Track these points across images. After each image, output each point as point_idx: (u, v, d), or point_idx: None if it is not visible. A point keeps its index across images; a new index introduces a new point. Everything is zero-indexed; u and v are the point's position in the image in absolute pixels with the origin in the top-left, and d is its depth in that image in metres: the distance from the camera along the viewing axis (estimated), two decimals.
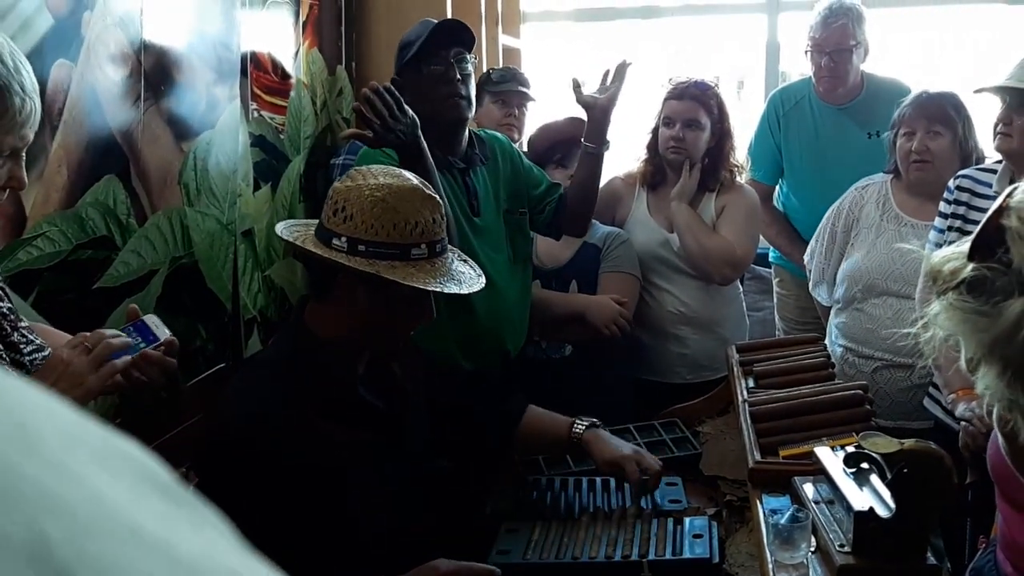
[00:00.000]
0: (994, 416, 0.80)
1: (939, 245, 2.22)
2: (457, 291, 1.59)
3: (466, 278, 1.64)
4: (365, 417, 1.62)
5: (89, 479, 0.26)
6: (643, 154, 2.77)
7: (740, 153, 2.82)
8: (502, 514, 1.85)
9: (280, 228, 1.66)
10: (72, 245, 1.88)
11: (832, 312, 2.67)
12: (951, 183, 2.25)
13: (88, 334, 1.27)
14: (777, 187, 3.30)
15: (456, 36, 2.20)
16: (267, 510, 1.44)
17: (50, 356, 1.25)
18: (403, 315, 1.60)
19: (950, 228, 2.20)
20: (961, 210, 2.20)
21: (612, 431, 2.13)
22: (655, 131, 2.71)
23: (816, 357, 1.94)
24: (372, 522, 1.54)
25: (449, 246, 1.65)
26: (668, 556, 1.60)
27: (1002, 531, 1.43)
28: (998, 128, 2.08)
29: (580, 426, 1.90)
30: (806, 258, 2.80)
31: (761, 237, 2.92)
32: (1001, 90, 2.07)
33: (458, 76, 2.18)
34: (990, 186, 2.15)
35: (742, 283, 2.98)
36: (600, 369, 2.54)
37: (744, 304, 2.89)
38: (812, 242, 2.75)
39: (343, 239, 1.54)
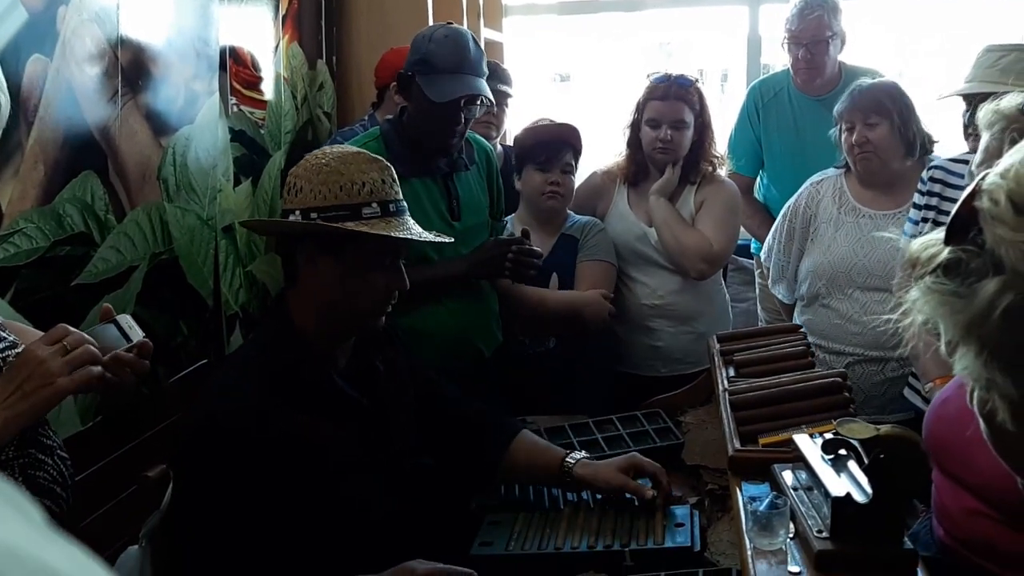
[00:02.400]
0: (974, 398, 0.80)
1: (914, 236, 2.24)
2: (419, 239, 1.60)
3: (430, 235, 1.64)
4: (346, 409, 1.61)
5: None
6: (624, 150, 2.77)
7: (720, 145, 2.82)
8: (485, 507, 1.85)
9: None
10: (50, 242, 1.87)
11: (796, 310, 2.69)
12: (924, 174, 2.27)
13: (70, 332, 1.26)
14: (758, 178, 3.32)
15: (477, 86, 2.20)
16: (248, 503, 1.44)
17: (25, 350, 1.24)
18: (370, 283, 1.59)
19: (924, 219, 2.22)
20: (934, 201, 2.22)
21: (595, 422, 2.14)
22: (635, 127, 2.71)
23: (796, 346, 1.95)
24: (353, 514, 1.54)
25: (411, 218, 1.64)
26: (650, 545, 1.60)
27: (935, 498, 1.47)
28: (968, 130, 2.10)
29: (571, 460, 1.80)
30: (763, 256, 2.81)
31: (743, 228, 2.93)
32: (966, 94, 2.10)
33: (461, 121, 2.21)
34: (962, 176, 2.17)
35: (725, 275, 2.99)
36: (579, 362, 2.54)
37: (727, 296, 2.90)
38: (768, 239, 2.77)
39: (296, 213, 1.55)
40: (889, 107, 2.45)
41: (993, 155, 1.64)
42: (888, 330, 2.41)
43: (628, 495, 1.76)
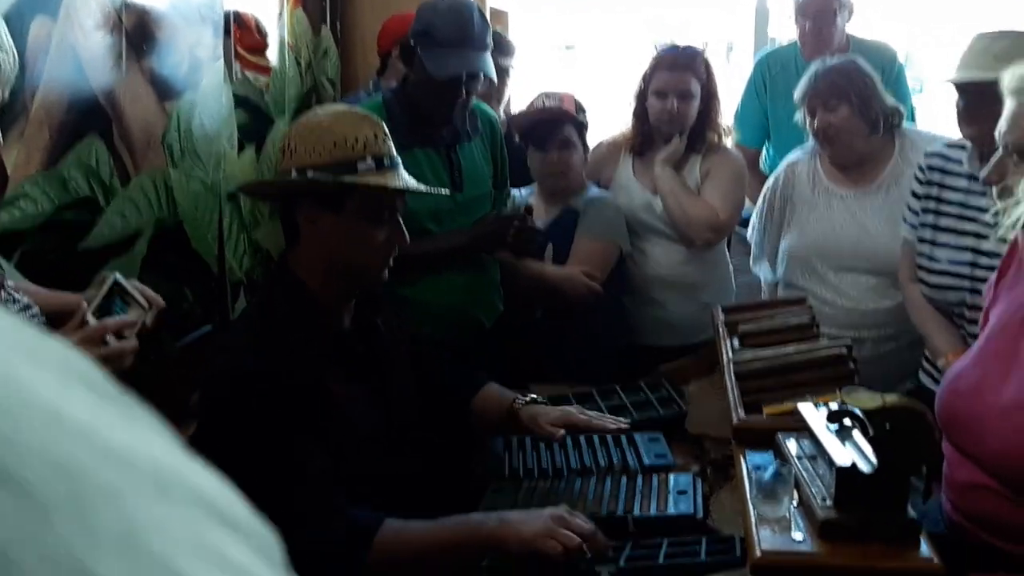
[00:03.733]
0: None
1: (914, 227, 2.24)
2: (415, 190, 1.62)
3: (425, 187, 1.67)
4: (354, 367, 1.63)
5: (6, 364, 0.26)
6: (630, 120, 2.75)
7: (727, 116, 2.81)
8: (490, 475, 1.87)
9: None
10: (55, 206, 1.86)
11: (779, 290, 2.69)
12: (922, 162, 2.26)
13: (95, 326, 1.31)
14: (763, 151, 3.31)
15: (479, 63, 2.17)
16: (271, 459, 1.46)
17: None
18: (370, 237, 1.60)
19: (925, 210, 2.21)
20: (934, 191, 2.20)
21: (598, 392, 2.15)
22: (641, 97, 2.69)
23: (801, 317, 1.95)
24: (368, 471, 1.56)
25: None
26: (653, 513, 1.62)
27: (945, 473, 1.49)
28: (964, 118, 2.08)
29: (520, 402, 1.84)
30: (749, 234, 2.81)
31: (747, 201, 2.92)
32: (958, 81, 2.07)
33: (463, 95, 2.19)
34: (960, 163, 2.16)
35: (729, 246, 2.98)
36: (580, 333, 2.55)
37: (731, 267, 2.90)
38: (753, 218, 2.76)
39: (293, 172, 1.57)
40: (847, 88, 2.42)
41: (1019, 120, 1.62)
42: (864, 311, 2.46)
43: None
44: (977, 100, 2.01)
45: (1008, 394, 1.42)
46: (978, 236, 2.10)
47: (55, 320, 1.34)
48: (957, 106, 2.09)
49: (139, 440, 0.27)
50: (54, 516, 0.23)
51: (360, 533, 1.47)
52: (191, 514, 0.27)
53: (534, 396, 1.89)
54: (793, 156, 2.65)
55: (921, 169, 2.25)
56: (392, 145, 1.62)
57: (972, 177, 2.11)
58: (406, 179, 1.62)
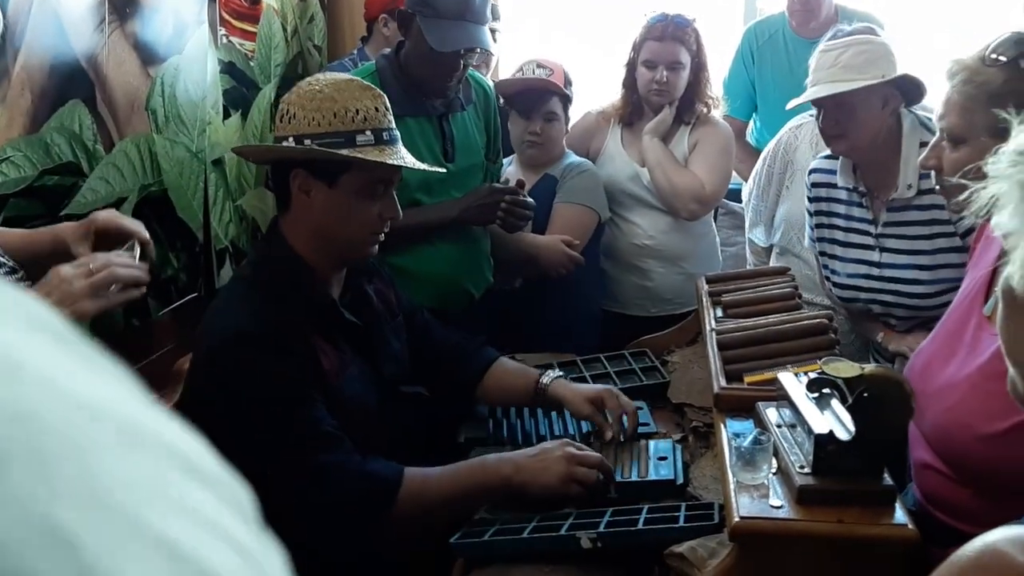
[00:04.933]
0: (1000, 279, 0.86)
1: (813, 240, 2.24)
2: (412, 167, 1.62)
3: (423, 165, 1.66)
4: (344, 334, 1.63)
5: None
6: (619, 90, 2.75)
7: (716, 87, 2.80)
8: (473, 441, 1.88)
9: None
10: (38, 171, 1.85)
11: (772, 257, 2.70)
12: (807, 179, 2.25)
13: (98, 256, 1.28)
14: (751, 123, 3.30)
15: (479, 36, 2.15)
16: (258, 421, 1.47)
17: (51, 270, 1.25)
18: (363, 211, 1.60)
19: (819, 225, 2.21)
20: (824, 206, 2.20)
21: (582, 360, 2.17)
22: (631, 67, 2.68)
23: (783, 287, 1.96)
24: (357, 434, 1.57)
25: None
26: (634, 478, 1.63)
27: (913, 455, 1.51)
28: (828, 133, 2.07)
29: (546, 379, 1.85)
30: (743, 199, 2.81)
31: (734, 173, 2.93)
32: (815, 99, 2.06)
33: (460, 67, 2.17)
34: (833, 173, 2.16)
35: (716, 219, 2.99)
36: (562, 301, 2.55)
37: (718, 239, 2.91)
38: (748, 183, 2.76)
39: (290, 139, 1.56)
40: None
41: (954, 107, 1.63)
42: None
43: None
44: (836, 113, 2.01)
45: (948, 373, 1.44)
46: (865, 248, 2.11)
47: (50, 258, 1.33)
48: (819, 124, 2.08)
49: (103, 390, 0.26)
50: (13, 466, 0.22)
51: (383, 486, 1.49)
52: (156, 464, 0.26)
53: (559, 373, 1.88)
54: (797, 120, 2.64)
55: (807, 186, 2.24)
56: (392, 118, 1.61)
57: (851, 190, 2.12)
58: (404, 155, 1.61)
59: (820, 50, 2.08)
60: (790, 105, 2.16)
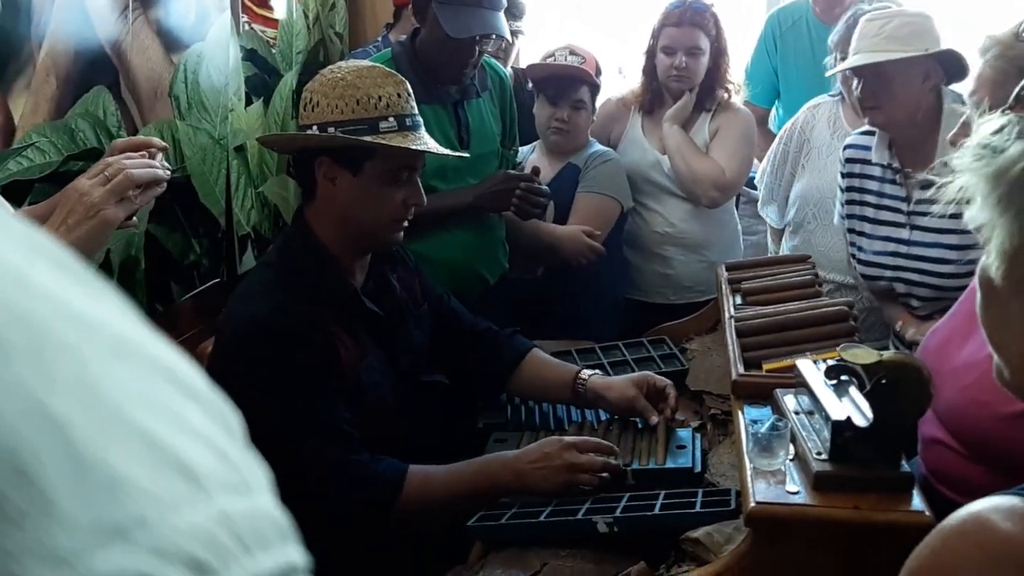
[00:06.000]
0: (978, 269, 0.87)
1: (843, 217, 2.23)
2: (436, 152, 1.63)
3: (447, 150, 1.67)
4: (365, 323, 1.65)
5: None
6: (639, 77, 2.74)
7: (737, 72, 2.78)
8: (492, 426, 1.89)
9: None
10: (62, 156, 1.87)
11: (785, 235, 2.69)
12: (840, 154, 2.24)
13: (109, 161, 1.27)
14: (773, 110, 3.28)
15: (495, 23, 2.16)
16: (273, 411, 1.48)
17: (68, 185, 1.24)
18: (387, 197, 1.61)
19: (850, 201, 2.20)
20: (856, 182, 2.19)
21: (600, 348, 2.17)
22: (650, 54, 2.67)
23: (803, 275, 1.95)
24: (374, 424, 1.58)
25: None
26: (652, 466, 1.64)
27: (921, 430, 1.50)
28: (866, 104, 2.06)
29: (586, 374, 1.83)
30: (757, 178, 2.80)
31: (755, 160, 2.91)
32: (855, 68, 2.05)
33: (475, 54, 2.17)
34: (869, 149, 2.15)
35: (737, 207, 2.98)
36: (582, 288, 2.55)
37: (739, 226, 2.90)
38: (763, 162, 2.75)
39: (314, 127, 1.57)
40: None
41: (986, 83, 1.62)
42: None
43: (632, 418, 1.79)
44: (876, 83, 1.99)
45: (967, 352, 1.43)
46: (896, 225, 2.09)
47: None
48: (858, 95, 2.07)
49: (101, 310, 0.28)
50: (12, 356, 0.24)
51: (388, 484, 1.50)
52: (148, 377, 0.27)
53: (596, 372, 1.86)
54: (815, 100, 2.63)
55: (841, 162, 2.23)
56: (415, 104, 1.62)
57: (885, 166, 2.10)
58: (427, 140, 1.62)
59: (865, 19, 2.08)
60: (830, 72, 2.14)
